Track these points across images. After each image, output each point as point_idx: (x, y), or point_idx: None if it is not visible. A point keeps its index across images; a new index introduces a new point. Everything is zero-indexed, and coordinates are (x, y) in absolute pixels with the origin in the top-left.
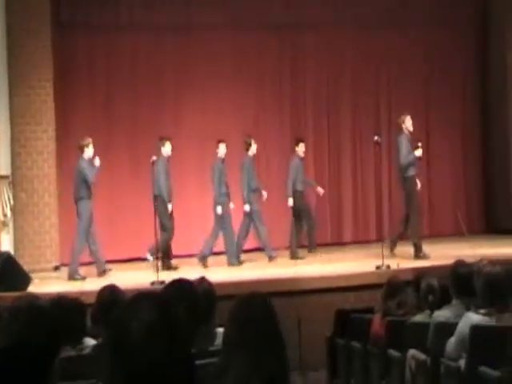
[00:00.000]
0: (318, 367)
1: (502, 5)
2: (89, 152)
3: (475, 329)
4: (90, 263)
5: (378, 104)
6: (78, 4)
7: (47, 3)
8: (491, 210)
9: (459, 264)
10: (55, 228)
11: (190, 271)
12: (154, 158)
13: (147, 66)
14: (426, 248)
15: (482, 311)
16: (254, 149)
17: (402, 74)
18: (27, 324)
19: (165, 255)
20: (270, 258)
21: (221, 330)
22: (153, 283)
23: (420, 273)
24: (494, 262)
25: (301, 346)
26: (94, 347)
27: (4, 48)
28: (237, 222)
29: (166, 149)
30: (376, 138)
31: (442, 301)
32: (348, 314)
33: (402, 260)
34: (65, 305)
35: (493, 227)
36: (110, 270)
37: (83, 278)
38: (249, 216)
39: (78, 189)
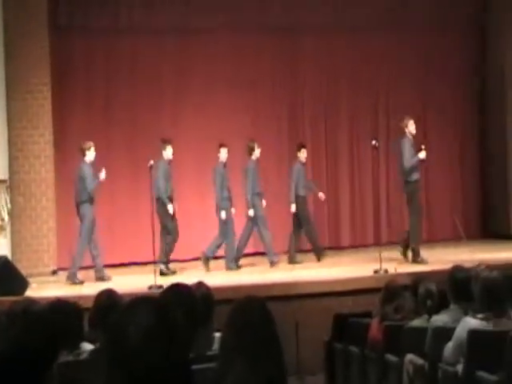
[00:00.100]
0: (315, 372)
1: (501, 6)
2: (90, 155)
3: (473, 333)
4: (88, 267)
5: (376, 107)
6: (76, 6)
7: (44, 5)
8: (489, 215)
9: (457, 269)
10: (53, 232)
11: (188, 275)
12: (152, 162)
13: (146, 68)
14: (424, 253)
15: (480, 316)
16: (257, 153)
17: (399, 76)
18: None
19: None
20: (272, 264)
21: (219, 334)
22: (150, 287)
23: (418, 277)
24: (491, 267)
25: (298, 350)
26: (92, 352)
27: (1, 50)
28: (237, 227)
29: (167, 152)
30: (374, 142)
31: (440, 305)
32: (346, 318)
33: (400, 265)
34: (62, 309)
35: (490, 232)
36: (109, 278)
37: (81, 283)
38: (252, 221)
39: (79, 192)
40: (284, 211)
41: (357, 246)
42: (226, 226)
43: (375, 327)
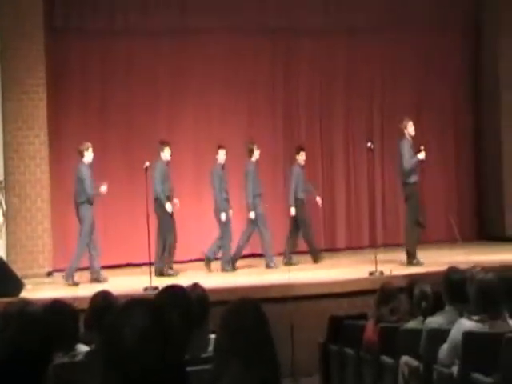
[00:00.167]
0: (311, 373)
1: (495, 8)
2: (88, 156)
3: (468, 335)
4: (83, 269)
5: (371, 108)
6: (72, 7)
7: (40, 7)
8: (484, 217)
9: (452, 270)
10: (48, 233)
11: (184, 277)
12: (148, 163)
13: (141, 70)
14: (419, 254)
15: (475, 318)
16: (257, 155)
17: (394, 77)
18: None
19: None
20: (268, 266)
21: (214, 336)
22: (146, 289)
23: (413, 279)
24: (486, 268)
25: (294, 352)
26: (87, 354)
27: None
28: (235, 228)
29: (165, 153)
30: (369, 144)
31: (435, 307)
32: (341, 320)
33: (396, 266)
34: (57, 311)
35: (485, 234)
36: (105, 279)
37: (76, 284)
38: (253, 223)
39: (78, 194)
40: (279, 212)
41: (352, 247)
42: (224, 228)
43: (370, 329)
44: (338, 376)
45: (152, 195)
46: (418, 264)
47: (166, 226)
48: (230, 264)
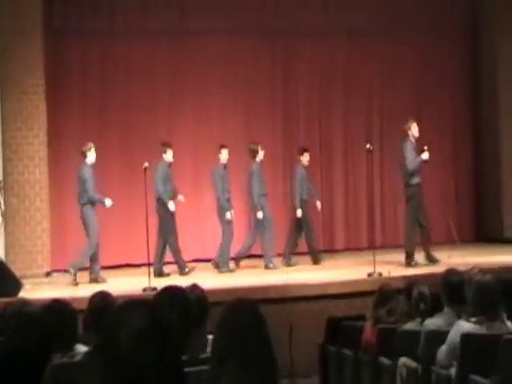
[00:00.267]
0: (309, 374)
1: (494, 8)
2: (91, 157)
3: (466, 337)
4: (83, 269)
5: (370, 109)
6: (71, 8)
7: (39, 7)
8: (482, 219)
9: (450, 272)
10: (47, 233)
11: (183, 277)
12: (147, 164)
13: (141, 70)
14: (418, 256)
15: (473, 319)
16: (261, 155)
17: (393, 79)
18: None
19: (162, 260)
20: (267, 267)
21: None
22: (145, 290)
23: (411, 281)
24: (484, 270)
25: (292, 353)
26: (86, 354)
27: None
28: (236, 228)
29: (168, 155)
30: (368, 145)
31: (434, 309)
32: (339, 321)
33: (394, 268)
34: (56, 311)
35: (483, 236)
36: (103, 280)
37: (76, 284)
38: (260, 223)
39: (80, 194)
40: (278, 213)
41: (351, 248)
42: (227, 227)
43: (369, 330)
44: (336, 377)
45: (151, 196)
46: (416, 265)
47: (168, 227)
48: (228, 266)
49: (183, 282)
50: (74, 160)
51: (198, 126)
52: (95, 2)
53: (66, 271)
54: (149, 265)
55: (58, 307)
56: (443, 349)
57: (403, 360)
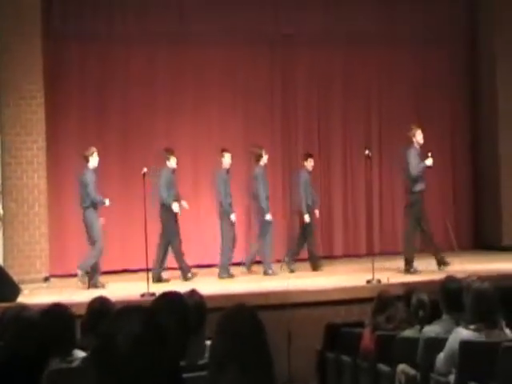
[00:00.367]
0: (307, 381)
1: (493, 10)
2: (94, 161)
3: (465, 344)
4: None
5: (369, 115)
6: (70, 12)
7: (38, 11)
8: (480, 227)
9: (449, 279)
10: (45, 238)
11: (182, 283)
12: (145, 169)
13: (140, 75)
14: (417, 263)
15: (472, 327)
16: (265, 159)
17: (392, 85)
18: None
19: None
20: (265, 273)
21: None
22: (143, 295)
23: (411, 288)
24: (483, 277)
25: (291, 359)
26: (84, 359)
27: None
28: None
29: (171, 162)
30: (367, 152)
31: (433, 316)
32: (338, 327)
33: (393, 274)
34: (54, 316)
35: (481, 243)
36: (103, 285)
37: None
38: (266, 225)
39: (82, 198)
40: (277, 218)
41: (350, 255)
42: (228, 232)
43: (367, 337)
44: (334, 383)
45: (150, 201)
46: (416, 272)
47: (171, 232)
48: (228, 271)
49: (182, 287)
50: (72, 165)
51: (198, 130)
52: (95, 5)
53: (71, 275)
54: (147, 270)
55: (56, 312)
56: (442, 356)
57: (402, 367)
